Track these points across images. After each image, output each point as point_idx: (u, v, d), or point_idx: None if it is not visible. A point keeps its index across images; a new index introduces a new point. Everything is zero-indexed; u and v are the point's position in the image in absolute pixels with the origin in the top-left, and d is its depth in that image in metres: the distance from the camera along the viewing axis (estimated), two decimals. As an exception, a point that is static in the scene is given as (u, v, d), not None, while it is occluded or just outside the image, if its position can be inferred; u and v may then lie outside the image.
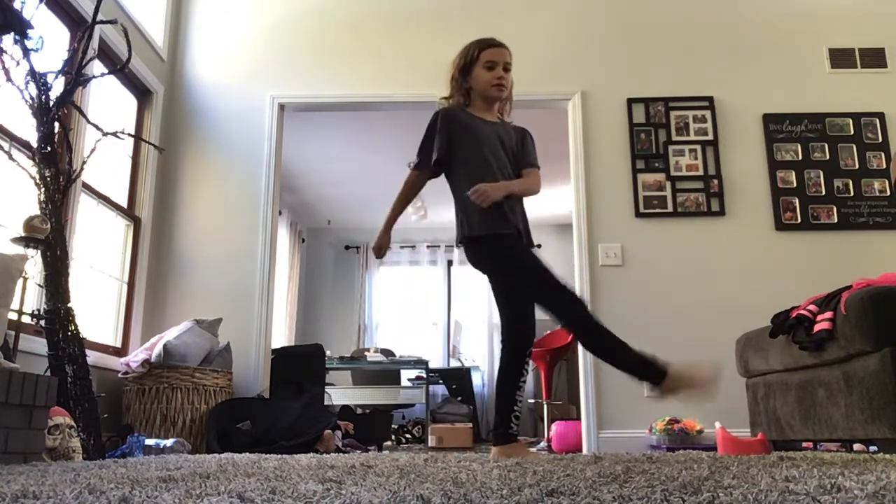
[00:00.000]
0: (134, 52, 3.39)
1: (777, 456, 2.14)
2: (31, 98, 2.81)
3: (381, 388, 5.70)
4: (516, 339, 2.37)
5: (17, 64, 2.75)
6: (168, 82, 4.35)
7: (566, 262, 7.43)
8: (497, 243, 2.34)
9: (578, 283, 3.99)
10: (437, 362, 7.41)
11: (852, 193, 4.04)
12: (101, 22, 3.09)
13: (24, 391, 2.09)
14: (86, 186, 3.54)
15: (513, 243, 2.35)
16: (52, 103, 2.84)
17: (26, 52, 2.75)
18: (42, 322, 2.75)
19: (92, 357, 3.11)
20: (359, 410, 5.17)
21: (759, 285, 3.89)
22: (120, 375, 3.55)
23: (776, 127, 4.16)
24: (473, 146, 2.40)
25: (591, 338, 2.31)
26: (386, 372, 5.82)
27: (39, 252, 2.74)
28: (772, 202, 4.05)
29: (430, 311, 7.84)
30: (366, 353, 5.85)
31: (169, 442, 3.08)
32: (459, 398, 6.38)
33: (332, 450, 3.41)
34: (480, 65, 2.46)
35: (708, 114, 4.20)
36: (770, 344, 2.78)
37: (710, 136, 4.16)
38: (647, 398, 3.80)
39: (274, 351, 4.20)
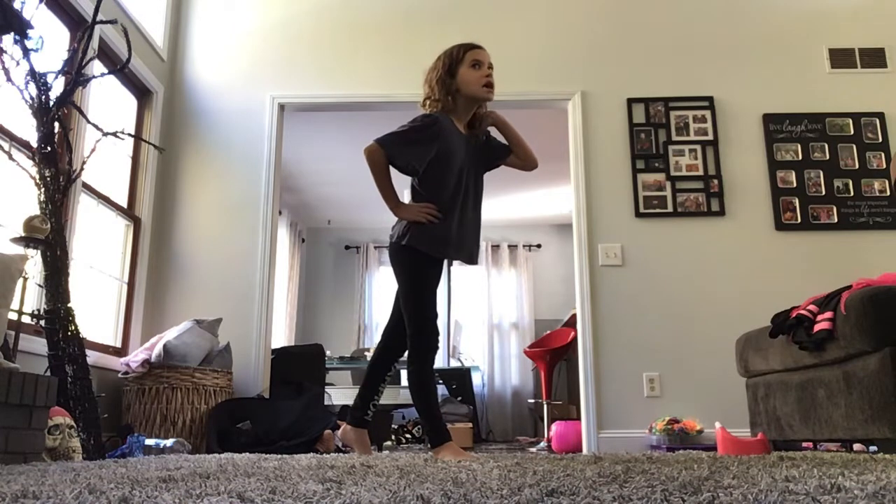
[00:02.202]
0: (134, 52, 3.39)
1: (777, 456, 2.14)
2: (31, 98, 2.81)
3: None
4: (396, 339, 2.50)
5: (17, 64, 2.75)
6: (168, 82, 4.35)
7: (566, 262, 7.44)
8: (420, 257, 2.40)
9: (578, 283, 4.00)
10: (437, 362, 7.35)
11: (852, 193, 4.04)
12: (101, 22, 3.09)
13: (24, 391, 2.09)
14: (86, 186, 3.54)
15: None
16: (52, 103, 2.84)
17: (26, 52, 2.75)
18: (42, 322, 2.75)
19: (92, 357, 3.11)
20: (359, 410, 5.15)
21: (759, 285, 3.89)
22: (120, 375, 3.55)
23: (776, 127, 4.16)
24: (447, 171, 2.39)
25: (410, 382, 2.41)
26: (386, 372, 5.80)
27: (39, 252, 2.74)
28: (772, 202, 4.05)
29: (430, 311, 7.84)
30: (366, 353, 5.85)
31: (169, 442, 3.08)
32: (459, 398, 6.37)
33: (332, 450, 3.41)
34: (466, 64, 2.44)
35: (708, 114, 4.20)
36: (770, 344, 2.77)
37: (710, 136, 4.16)
38: (646, 398, 3.80)
39: (274, 351, 4.20)
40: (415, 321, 2.35)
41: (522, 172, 2.72)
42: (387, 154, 2.35)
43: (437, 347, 2.38)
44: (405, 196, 2.55)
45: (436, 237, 2.37)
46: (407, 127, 2.38)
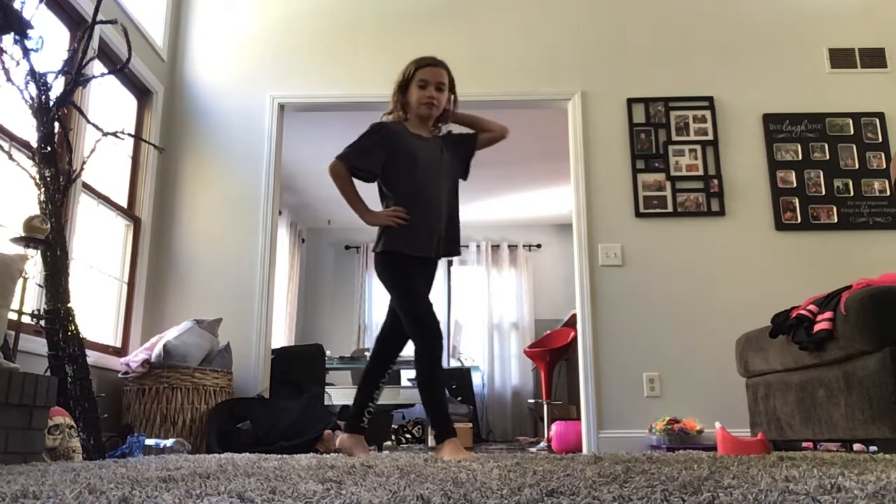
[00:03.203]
0: (134, 52, 3.39)
1: (777, 456, 2.14)
2: (31, 98, 2.80)
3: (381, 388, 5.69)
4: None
5: (17, 64, 2.74)
6: (168, 82, 4.35)
7: (566, 262, 7.45)
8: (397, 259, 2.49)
9: (578, 283, 4.00)
10: (437, 362, 7.39)
11: (852, 193, 4.04)
12: (101, 22, 3.09)
13: (24, 391, 2.09)
14: (86, 186, 3.54)
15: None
16: (52, 103, 2.84)
17: (26, 52, 2.75)
18: (42, 322, 2.75)
19: (92, 357, 3.11)
20: (359, 410, 5.15)
21: (759, 285, 3.89)
22: (120, 375, 3.55)
23: (776, 127, 4.16)
24: (411, 170, 2.49)
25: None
26: (386, 372, 5.80)
27: (39, 252, 2.74)
28: (772, 202, 4.05)
29: (429, 311, 7.83)
30: (366, 353, 5.85)
31: (169, 442, 3.08)
32: (459, 398, 6.38)
33: (332, 450, 3.41)
34: (415, 83, 2.57)
35: (708, 114, 4.20)
36: (770, 344, 2.78)
37: (710, 136, 4.16)
38: (646, 398, 3.81)
39: (274, 351, 4.20)
40: (414, 328, 2.40)
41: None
42: (347, 165, 2.53)
43: (440, 347, 2.40)
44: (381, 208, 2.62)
45: (408, 236, 2.45)
46: (358, 137, 2.56)
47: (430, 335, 2.37)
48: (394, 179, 2.52)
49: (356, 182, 2.57)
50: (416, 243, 2.46)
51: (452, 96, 2.65)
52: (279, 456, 2.41)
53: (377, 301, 7.92)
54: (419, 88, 2.55)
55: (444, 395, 2.44)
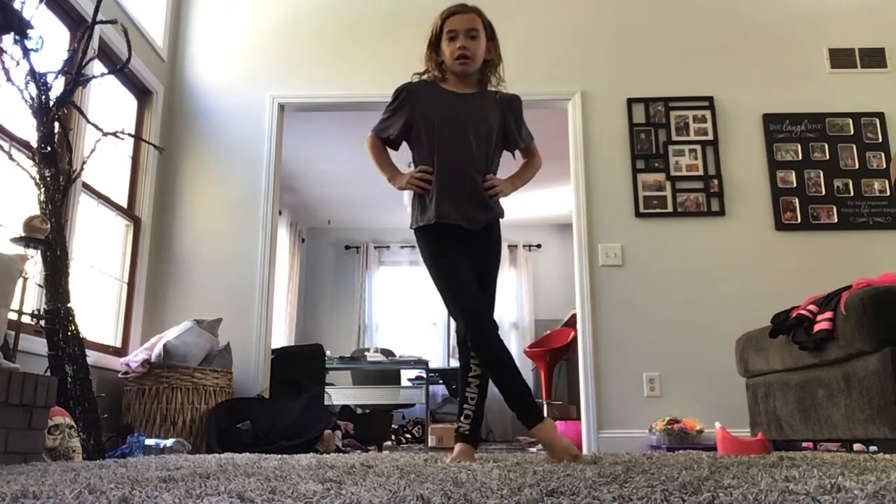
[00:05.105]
0: (134, 52, 3.39)
1: (777, 456, 2.14)
2: (31, 98, 2.81)
3: (381, 388, 5.70)
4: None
5: (17, 64, 2.75)
6: (168, 82, 4.35)
7: (566, 262, 7.45)
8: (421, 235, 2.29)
9: (578, 284, 4.00)
10: (437, 362, 7.41)
11: (852, 193, 4.04)
12: (101, 22, 3.09)
13: (24, 391, 2.09)
14: (86, 186, 3.54)
15: (422, 236, 2.28)
16: (52, 103, 2.84)
17: (26, 52, 2.75)
18: (42, 322, 2.75)
19: (92, 357, 3.11)
20: (359, 410, 5.17)
21: (759, 285, 3.89)
22: (120, 375, 3.55)
23: (776, 127, 4.16)
24: (433, 128, 2.27)
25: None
26: (386, 372, 5.82)
27: (39, 252, 2.74)
28: (772, 202, 4.05)
29: (430, 311, 7.84)
30: (366, 353, 5.85)
31: (169, 442, 3.08)
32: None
33: (332, 450, 3.41)
34: (445, 37, 2.32)
35: (708, 114, 4.20)
36: (770, 344, 2.78)
37: (710, 136, 4.16)
38: (646, 398, 3.81)
39: (274, 351, 4.20)
40: (455, 316, 2.15)
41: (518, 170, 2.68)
42: (375, 135, 2.40)
43: (487, 335, 2.13)
44: None
45: (430, 203, 2.22)
46: (387, 105, 2.42)
47: (468, 318, 2.10)
48: (415, 140, 2.32)
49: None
50: (436, 211, 2.19)
51: (493, 44, 2.35)
52: (279, 456, 2.41)
53: (377, 301, 7.91)
54: (449, 41, 2.29)
55: (515, 376, 2.14)
